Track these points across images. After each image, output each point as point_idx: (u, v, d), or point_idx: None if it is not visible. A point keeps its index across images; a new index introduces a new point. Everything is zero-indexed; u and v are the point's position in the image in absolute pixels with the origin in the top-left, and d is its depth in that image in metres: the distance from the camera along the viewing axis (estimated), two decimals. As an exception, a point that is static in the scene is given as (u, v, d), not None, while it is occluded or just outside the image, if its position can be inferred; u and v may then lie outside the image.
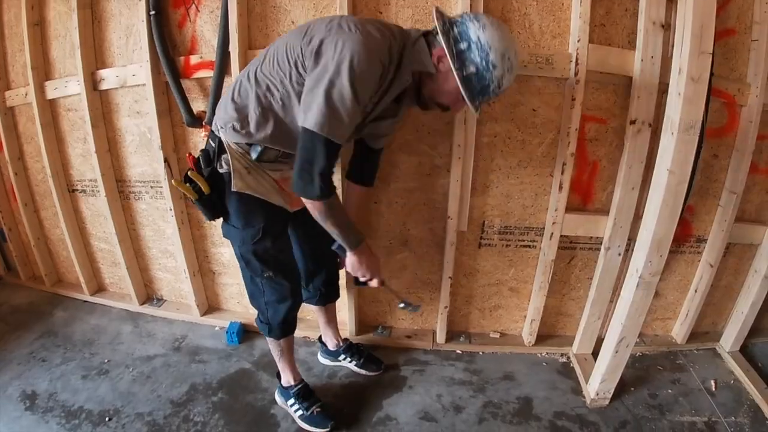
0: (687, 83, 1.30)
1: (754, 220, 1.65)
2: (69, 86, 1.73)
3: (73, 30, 1.61)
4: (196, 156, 1.22)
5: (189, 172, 1.16)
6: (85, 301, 2.07)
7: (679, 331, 1.80)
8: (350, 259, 1.19)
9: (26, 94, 1.82)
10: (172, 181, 1.24)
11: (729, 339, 1.77)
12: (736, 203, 1.56)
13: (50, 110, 1.82)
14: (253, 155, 1.15)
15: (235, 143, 1.14)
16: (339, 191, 1.53)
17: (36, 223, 2.09)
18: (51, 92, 1.78)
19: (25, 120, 1.92)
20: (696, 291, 1.71)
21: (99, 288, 2.11)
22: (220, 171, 1.15)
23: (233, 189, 1.14)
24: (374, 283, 1.23)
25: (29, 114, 1.86)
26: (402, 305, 1.33)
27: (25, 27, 1.71)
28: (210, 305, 1.95)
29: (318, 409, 1.41)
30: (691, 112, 1.31)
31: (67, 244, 1.98)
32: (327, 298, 1.56)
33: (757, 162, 1.57)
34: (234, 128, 1.11)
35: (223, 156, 1.14)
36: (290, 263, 1.35)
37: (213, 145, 1.17)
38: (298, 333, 1.60)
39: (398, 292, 1.40)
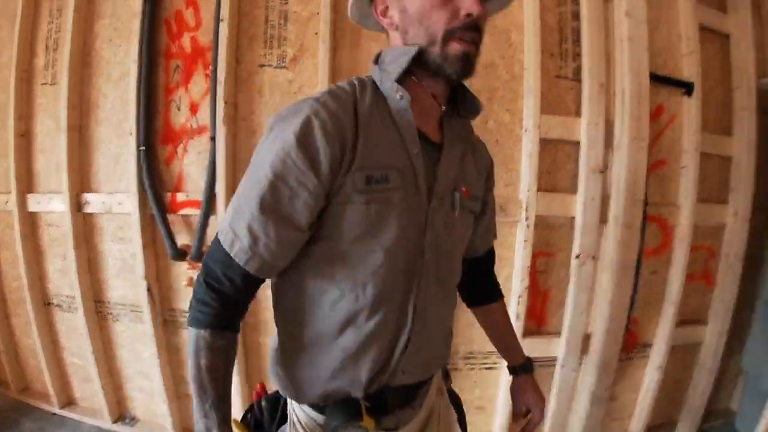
0: (622, 230, 1.50)
1: (695, 321, 1.81)
2: (52, 203, 1.77)
3: (61, 149, 1.66)
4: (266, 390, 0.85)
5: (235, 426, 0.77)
6: (54, 414, 1.99)
7: (635, 427, 1.88)
8: None
9: (7, 202, 1.85)
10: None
11: (684, 429, 1.88)
12: (676, 311, 1.71)
13: (30, 222, 1.84)
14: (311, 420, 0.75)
15: (302, 410, 0.76)
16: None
17: (6, 329, 2.03)
18: (33, 205, 1.81)
19: (4, 226, 1.93)
20: (647, 391, 1.83)
21: (68, 401, 2.02)
22: None
23: None
24: None
25: (8, 221, 1.88)
26: None
27: (12, 136, 1.76)
28: (184, 428, 1.84)
29: None
30: (626, 254, 1.50)
31: (38, 355, 1.93)
32: None
33: (692, 272, 1.74)
34: (276, 373, 0.76)
35: (283, 427, 0.80)
36: None
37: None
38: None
39: None
